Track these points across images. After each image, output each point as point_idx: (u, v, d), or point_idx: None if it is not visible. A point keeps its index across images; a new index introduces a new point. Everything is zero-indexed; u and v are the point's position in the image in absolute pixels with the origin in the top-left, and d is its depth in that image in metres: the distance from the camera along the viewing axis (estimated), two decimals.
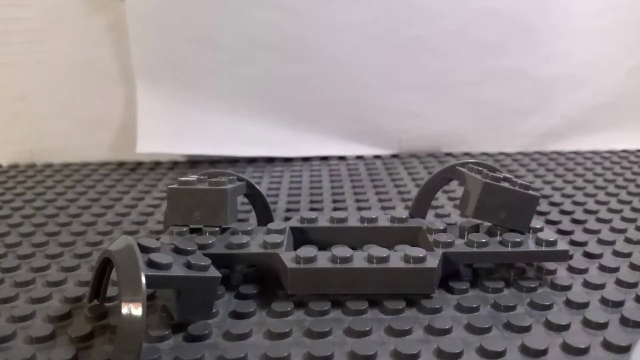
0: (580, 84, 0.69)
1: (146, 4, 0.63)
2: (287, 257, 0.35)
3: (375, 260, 0.34)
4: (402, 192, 0.56)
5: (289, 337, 0.31)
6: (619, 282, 0.36)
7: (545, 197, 0.54)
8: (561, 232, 0.45)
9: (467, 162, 0.42)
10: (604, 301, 0.34)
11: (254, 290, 0.36)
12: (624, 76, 0.69)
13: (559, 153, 0.70)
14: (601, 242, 0.43)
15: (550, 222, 0.47)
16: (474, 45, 0.67)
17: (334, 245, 0.40)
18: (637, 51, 0.69)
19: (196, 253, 0.33)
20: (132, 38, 0.64)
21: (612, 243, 0.43)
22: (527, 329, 0.31)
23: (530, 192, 0.37)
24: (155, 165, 0.68)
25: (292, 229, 0.41)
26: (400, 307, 0.33)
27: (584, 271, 0.38)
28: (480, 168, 0.40)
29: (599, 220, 0.48)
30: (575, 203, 0.52)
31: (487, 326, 0.31)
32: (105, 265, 0.32)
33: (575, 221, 0.47)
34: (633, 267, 0.39)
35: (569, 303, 0.34)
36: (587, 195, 0.54)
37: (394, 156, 0.70)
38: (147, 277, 0.27)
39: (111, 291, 0.34)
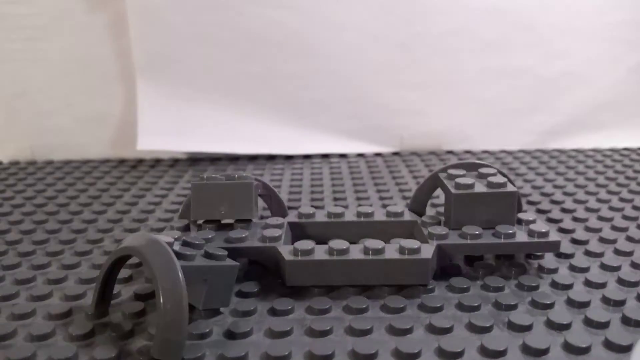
0: (582, 82, 0.69)
1: (147, 1, 0.63)
2: (285, 250, 0.36)
3: (371, 252, 0.35)
4: (403, 189, 0.56)
5: (289, 336, 0.31)
6: (621, 281, 0.36)
7: (547, 195, 0.54)
8: (562, 230, 0.45)
9: (448, 167, 0.42)
10: (606, 300, 0.34)
11: (254, 288, 0.36)
12: (625, 74, 0.69)
13: (561, 151, 0.70)
14: (602, 240, 0.43)
15: (551, 220, 0.47)
16: (476, 43, 0.67)
17: (331, 239, 0.40)
18: (639, 49, 0.69)
19: (207, 245, 0.34)
20: (132, 35, 0.64)
21: (614, 241, 0.43)
22: (528, 328, 0.31)
23: (505, 189, 0.38)
24: (156, 162, 0.68)
25: (290, 224, 0.41)
26: (402, 305, 0.33)
27: (585, 270, 0.38)
28: (455, 172, 0.40)
29: (600, 218, 0.48)
30: (577, 201, 0.52)
31: (488, 325, 0.31)
32: (113, 268, 0.33)
33: (576, 219, 0.47)
34: (634, 265, 0.39)
35: (570, 302, 0.34)
36: (588, 193, 0.54)
37: (395, 154, 0.70)
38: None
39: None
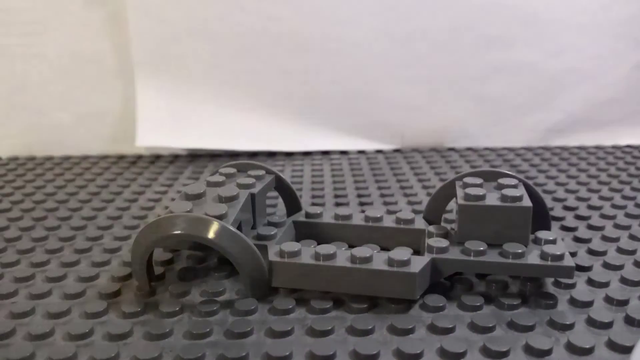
0: (585, 79, 0.68)
1: None
2: (273, 250, 0.35)
3: (357, 261, 0.33)
4: (404, 187, 0.56)
5: (290, 336, 0.31)
6: (624, 280, 0.36)
7: (549, 192, 0.53)
8: (565, 228, 0.44)
9: (467, 174, 0.39)
10: (609, 300, 0.34)
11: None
12: (629, 71, 0.69)
13: (563, 148, 0.69)
14: (605, 238, 0.43)
15: (553, 219, 0.47)
16: (478, 39, 0.66)
17: (335, 241, 0.40)
18: None
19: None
20: (131, 30, 0.64)
21: (617, 240, 0.42)
22: (530, 328, 0.31)
23: (519, 203, 0.34)
24: (156, 158, 0.68)
25: (296, 223, 0.41)
26: (403, 305, 0.33)
27: (588, 269, 0.38)
28: (471, 181, 0.37)
29: (603, 216, 0.47)
30: (579, 199, 0.51)
31: (490, 325, 0.31)
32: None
33: (579, 217, 0.47)
34: (638, 264, 0.38)
35: (573, 302, 0.34)
36: (590, 190, 0.54)
37: (397, 151, 0.70)
38: None
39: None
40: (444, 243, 0.35)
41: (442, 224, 0.41)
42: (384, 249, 0.39)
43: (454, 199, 0.38)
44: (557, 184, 0.56)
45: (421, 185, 0.56)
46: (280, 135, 0.68)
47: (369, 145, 0.70)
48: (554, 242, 0.35)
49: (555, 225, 0.45)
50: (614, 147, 0.70)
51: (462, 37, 0.66)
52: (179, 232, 0.33)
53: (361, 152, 0.69)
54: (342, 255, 0.34)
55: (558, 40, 0.67)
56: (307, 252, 0.35)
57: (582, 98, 0.69)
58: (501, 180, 0.37)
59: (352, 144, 0.69)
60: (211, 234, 0.33)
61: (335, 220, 0.41)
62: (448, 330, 0.31)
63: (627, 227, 0.45)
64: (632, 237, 0.43)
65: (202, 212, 0.35)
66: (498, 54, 0.67)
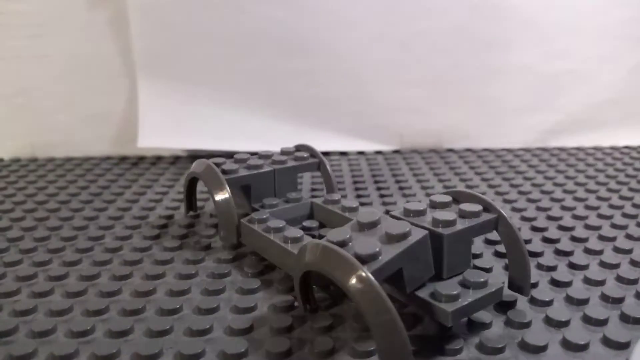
0: (584, 80, 0.69)
1: None
2: (254, 216, 0.40)
3: (289, 241, 0.35)
4: (403, 187, 0.56)
5: (291, 332, 0.31)
6: (619, 279, 0.36)
7: (547, 193, 0.54)
8: (562, 227, 0.45)
9: (445, 193, 0.35)
10: (604, 297, 0.34)
11: (255, 285, 0.36)
12: (627, 72, 0.69)
13: (561, 149, 0.70)
14: (602, 238, 0.43)
15: (551, 219, 0.47)
16: (477, 41, 0.67)
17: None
18: None
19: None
20: (133, 32, 0.64)
21: (613, 239, 0.43)
22: (526, 325, 0.31)
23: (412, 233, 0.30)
24: (157, 159, 0.68)
25: (314, 204, 0.44)
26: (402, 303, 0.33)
27: (584, 267, 0.38)
28: (439, 199, 0.34)
29: (600, 216, 0.48)
30: (577, 199, 0.52)
31: (487, 322, 0.31)
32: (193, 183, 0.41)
33: (576, 217, 0.47)
34: (634, 263, 0.39)
35: (569, 299, 0.34)
36: (588, 191, 0.54)
37: (396, 152, 0.70)
38: None
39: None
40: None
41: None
42: None
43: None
44: (555, 184, 0.56)
45: (420, 186, 0.57)
46: (281, 136, 0.68)
47: (369, 146, 0.70)
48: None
49: (552, 225, 0.45)
50: (612, 148, 0.70)
51: (461, 38, 0.66)
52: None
53: (361, 153, 0.70)
54: (291, 234, 0.36)
55: (556, 41, 0.67)
56: (269, 224, 0.38)
57: (580, 99, 0.70)
58: (462, 205, 0.33)
59: (351, 145, 0.70)
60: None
61: (342, 212, 0.41)
62: (444, 329, 0.31)
63: (624, 227, 0.45)
64: (629, 237, 0.43)
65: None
66: (497, 56, 0.67)
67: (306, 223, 0.43)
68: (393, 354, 0.26)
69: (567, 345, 0.30)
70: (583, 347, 0.29)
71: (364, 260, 0.27)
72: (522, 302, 0.34)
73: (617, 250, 0.41)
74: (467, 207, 0.32)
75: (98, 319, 0.33)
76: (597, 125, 0.71)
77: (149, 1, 0.63)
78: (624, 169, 0.61)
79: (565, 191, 0.54)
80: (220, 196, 0.40)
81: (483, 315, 0.32)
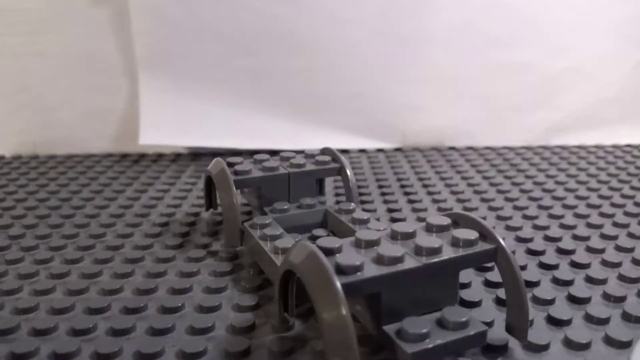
0: (585, 78, 0.69)
1: None
2: (255, 220, 0.39)
3: (280, 251, 0.35)
4: (404, 185, 0.56)
5: (292, 331, 0.31)
6: (621, 277, 0.36)
7: (549, 191, 0.54)
8: (564, 226, 0.45)
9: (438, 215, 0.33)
10: (606, 296, 0.34)
11: (256, 283, 0.36)
12: (629, 70, 0.69)
13: (563, 147, 0.70)
14: (603, 236, 0.43)
15: (552, 217, 0.47)
16: (479, 39, 0.66)
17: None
18: None
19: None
20: (134, 30, 0.64)
21: (615, 238, 0.43)
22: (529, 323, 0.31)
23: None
24: (158, 157, 0.68)
25: (327, 212, 0.43)
26: None
27: (586, 266, 0.38)
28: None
29: (602, 214, 0.48)
30: (578, 197, 0.52)
31: (489, 321, 0.31)
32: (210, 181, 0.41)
33: (577, 215, 0.47)
34: (635, 262, 0.39)
35: (571, 298, 0.34)
36: (590, 189, 0.54)
37: (397, 150, 0.70)
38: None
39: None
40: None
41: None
42: None
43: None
44: (557, 182, 0.56)
45: (421, 184, 0.57)
46: (282, 133, 0.68)
47: (370, 144, 0.70)
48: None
49: (554, 223, 0.45)
50: (613, 146, 0.70)
51: (462, 36, 0.66)
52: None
53: (362, 150, 0.70)
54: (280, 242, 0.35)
55: (558, 39, 0.67)
56: (265, 231, 0.37)
57: (582, 97, 0.70)
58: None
59: (353, 143, 0.70)
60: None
61: (352, 224, 0.39)
62: None
63: (626, 226, 0.45)
64: (630, 235, 0.43)
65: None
66: (498, 54, 0.67)
67: (316, 231, 0.41)
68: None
69: (569, 344, 0.30)
70: (585, 346, 0.29)
71: (342, 270, 0.25)
72: None
73: (618, 248, 0.41)
74: (461, 233, 0.28)
75: (100, 317, 0.33)
76: (599, 123, 0.71)
77: None
78: (625, 167, 0.61)
79: (566, 189, 0.54)
80: (225, 198, 0.39)
81: (487, 315, 0.32)
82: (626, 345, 0.29)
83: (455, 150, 0.70)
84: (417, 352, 0.25)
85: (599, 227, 0.45)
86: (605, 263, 0.39)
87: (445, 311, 0.28)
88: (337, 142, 0.69)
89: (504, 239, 0.28)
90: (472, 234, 0.28)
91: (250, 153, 0.68)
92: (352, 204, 0.42)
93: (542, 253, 0.40)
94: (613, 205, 0.50)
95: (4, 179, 0.60)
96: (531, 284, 0.36)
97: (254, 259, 0.38)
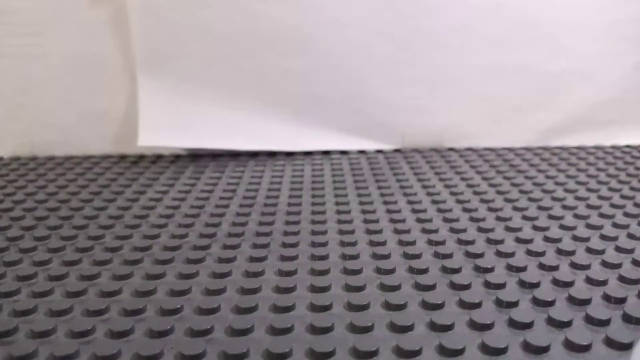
0: (585, 79, 0.69)
1: None
2: None
3: None
4: (404, 186, 0.56)
5: (291, 333, 0.31)
6: (622, 279, 0.36)
7: (548, 192, 0.54)
8: (563, 227, 0.45)
9: None
10: (607, 297, 0.34)
11: (256, 285, 0.36)
12: (629, 71, 0.69)
13: (563, 148, 0.70)
14: (604, 237, 0.43)
15: (552, 218, 0.47)
16: (478, 40, 0.66)
17: None
18: None
19: None
20: (133, 31, 0.64)
21: (615, 239, 0.43)
22: (529, 325, 0.31)
23: None
24: (157, 158, 0.68)
25: None
26: (402, 302, 0.33)
27: (586, 267, 0.38)
28: None
29: (602, 215, 0.47)
30: (578, 198, 0.52)
31: (489, 322, 0.31)
32: None
33: (577, 216, 0.47)
34: (636, 263, 0.39)
35: (571, 299, 0.34)
36: (590, 190, 0.54)
37: (397, 151, 0.70)
38: None
39: None
40: None
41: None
42: None
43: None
44: (556, 183, 0.56)
45: (421, 185, 0.57)
46: (281, 135, 0.68)
47: (369, 145, 0.70)
48: None
49: (554, 224, 0.45)
50: (613, 147, 0.70)
51: (462, 37, 0.66)
52: None
53: (361, 152, 0.70)
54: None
55: (557, 40, 0.67)
56: None
57: (581, 98, 0.70)
58: None
59: (352, 144, 0.70)
60: None
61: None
62: (447, 328, 0.31)
63: (626, 226, 0.45)
64: (630, 236, 0.43)
65: None
66: (498, 54, 0.67)
67: None
68: None
69: (569, 345, 0.29)
70: (585, 348, 0.29)
71: None
72: (524, 302, 0.34)
73: (619, 249, 0.41)
74: None
75: (98, 319, 0.32)
76: (599, 124, 0.71)
77: (149, 0, 0.63)
78: (625, 168, 0.61)
79: (566, 190, 0.54)
80: None
81: (487, 316, 0.32)
82: (627, 346, 0.29)
83: (455, 152, 0.69)
84: None
85: (599, 228, 0.45)
86: (605, 264, 0.38)
87: None
88: (336, 143, 0.69)
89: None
90: None
91: (250, 154, 0.68)
92: None
93: (542, 254, 0.40)
94: (613, 206, 0.50)
95: (3, 181, 0.59)
96: (531, 285, 0.35)
97: None
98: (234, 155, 0.68)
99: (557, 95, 0.69)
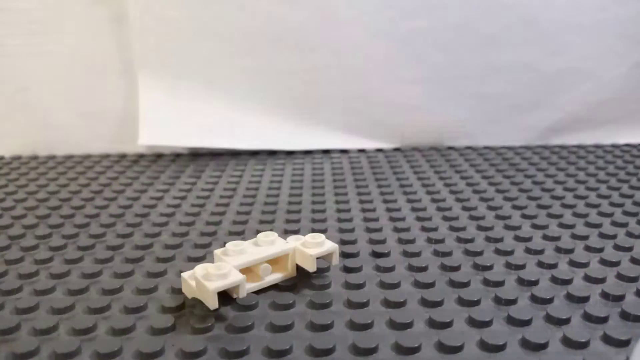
0: (585, 78, 0.69)
1: None
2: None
3: None
4: (404, 185, 0.56)
5: (291, 330, 0.31)
6: (620, 276, 0.36)
7: (548, 190, 0.54)
8: (563, 225, 0.45)
9: None
10: (605, 295, 0.34)
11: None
12: (628, 70, 0.69)
13: (562, 147, 0.70)
14: (602, 235, 0.43)
15: (551, 216, 0.47)
16: (478, 38, 0.66)
17: None
18: None
19: None
20: (133, 29, 0.64)
21: (614, 237, 0.43)
22: (527, 322, 0.31)
23: None
24: (157, 157, 0.68)
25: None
26: (402, 300, 0.34)
27: (584, 265, 0.38)
28: None
29: (601, 214, 0.48)
30: (577, 197, 0.52)
31: (487, 319, 0.31)
32: None
33: (576, 215, 0.47)
34: (634, 261, 0.39)
35: (570, 297, 0.34)
36: (589, 189, 0.54)
37: (397, 150, 0.70)
38: None
39: None
40: None
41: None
42: None
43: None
44: (556, 182, 0.56)
45: (421, 183, 0.57)
46: (281, 134, 0.68)
47: (369, 144, 0.70)
48: None
49: (553, 222, 0.46)
50: (612, 145, 0.70)
51: (461, 36, 0.66)
52: None
53: (361, 151, 0.70)
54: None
55: (557, 39, 0.67)
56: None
57: (581, 97, 0.70)
58: None
59: (352, 143, 0.70)
60: None
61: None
62: (446, 325, 0.31)
63: (625, 225, 0.45)
64: (629, 234, 0.43)
65: None
66: (497, 53, 0.67)
67: None
68: None
69: (567, 342, 0.30)
70: (584, 345, 0.29)
71: None
72: (523, 299, 0.34)
73: (617, 247, 0.41)
74: None
75: (100, 317, 0.33)
76: (598, 123, 0.71)
77: None
78: (624, 167, 0.61)
79: (565, 189, 0.54)
80: None
81: (485, 313, 0.32)
82: (624, 343, 0.29)
83: (455, 150, 0.70)
84: None
85: (598, 226, 0.45)
86: (604, 262, 0.39)
87: None
88: (336, 142, 0.69)
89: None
90: None
91: (250, 153, 0.68)
92: None
93: (541, 252, 0.40)
94: (612, 204, 0.50)
95: (4, 179, 0.60)
96: (530, 283, 0.36)
97: None
98: (234, 154, 0.68)
99: (557, 93, 0.69)
